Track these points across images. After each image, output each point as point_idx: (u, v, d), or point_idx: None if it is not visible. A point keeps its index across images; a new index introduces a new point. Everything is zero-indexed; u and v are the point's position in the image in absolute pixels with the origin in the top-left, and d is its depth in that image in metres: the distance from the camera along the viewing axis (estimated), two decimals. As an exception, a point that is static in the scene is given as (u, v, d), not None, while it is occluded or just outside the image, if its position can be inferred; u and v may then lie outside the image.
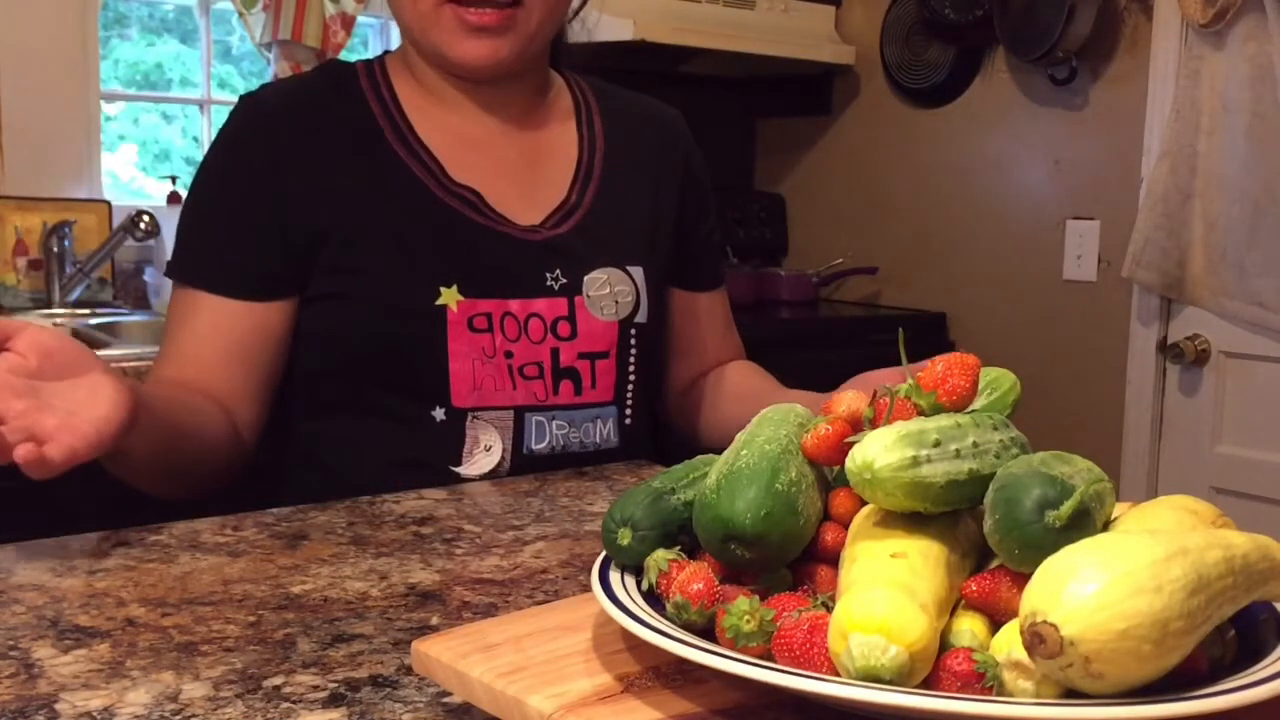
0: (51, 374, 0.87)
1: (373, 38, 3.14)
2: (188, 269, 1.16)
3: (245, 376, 1.15)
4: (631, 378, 1.24)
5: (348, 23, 2.82)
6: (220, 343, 1.14)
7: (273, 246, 1.14)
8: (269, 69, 2.81)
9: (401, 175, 1.18)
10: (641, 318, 1.25)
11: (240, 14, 2.76)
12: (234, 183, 1.17)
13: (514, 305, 1.17)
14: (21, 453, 0.81)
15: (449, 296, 1.14)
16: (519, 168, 1.24)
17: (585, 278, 1.21)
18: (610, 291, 1.22)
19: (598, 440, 1.22)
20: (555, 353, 1.19)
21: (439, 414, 1.15)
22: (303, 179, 1.15)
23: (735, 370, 1.38)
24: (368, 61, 1.26)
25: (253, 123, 1.18)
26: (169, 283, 1.20)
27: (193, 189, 1.20)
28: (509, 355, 1.16)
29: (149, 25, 3.01)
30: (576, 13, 1.33)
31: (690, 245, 1.35)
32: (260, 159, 1.16)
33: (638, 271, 1.25)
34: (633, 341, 1.24)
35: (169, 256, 1.20)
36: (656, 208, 1.31)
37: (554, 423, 1.19)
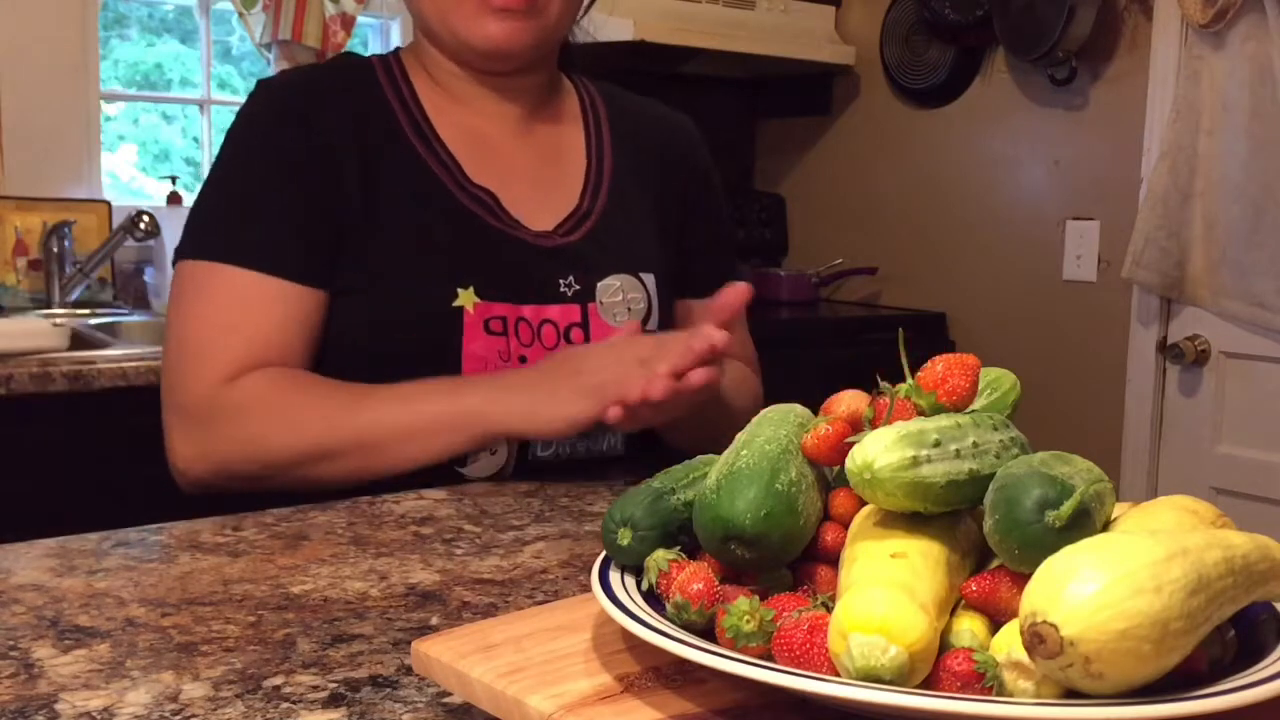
0: None
1: (373, 38, 3.15)
2: (238, 249, 1.10)
3: (306, 366, 1.12)
4: None
5: (348, 23, 2.82)
6: (272, 328, 1.10)
7: (315, 228, 1.12)
8: (269, 69, 2.81)
9: (421, 172, 1.17)
10: (653, 324, 1.24)
11: (240, 14, 2.76)
12: (275, 162, 1.13)
13: (527, 311, 1.16)
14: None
15: (466, 298, 1.13)
16: (532, 171, 1.24)
17: (599, 284, 1.21)
18: (623, 298, 1.22)
19: (603, 449, 1.21)
20: None
21: None
22: (331, 164, 1.13)
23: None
24: (382, 56, 1.25)
25: (281, 104, 1.16)
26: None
27: (225, 169, 1.15)
28: (523, 360, 1.15)
29: (149, 25, 3.01)
30: (585, 11, 1.33)
31: (693, 251, 1.34)
32: (293, 139, 1.13)
33: (650, 278, 1.25)
34: None
35: (196, 238, 1.13)
36: (665, 214, 1.30)
37: None
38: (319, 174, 1.13)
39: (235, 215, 1.14)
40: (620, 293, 1.22)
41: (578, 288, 1.19)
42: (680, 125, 1.38)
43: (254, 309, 1.10)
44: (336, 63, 1.26)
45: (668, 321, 1.28)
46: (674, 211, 1.31)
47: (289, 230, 1.12)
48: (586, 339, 1.19)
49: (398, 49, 1.27)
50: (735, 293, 1.07)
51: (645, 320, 1.23)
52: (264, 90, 1.18)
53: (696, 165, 1.36)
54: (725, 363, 1.27)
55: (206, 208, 1.15)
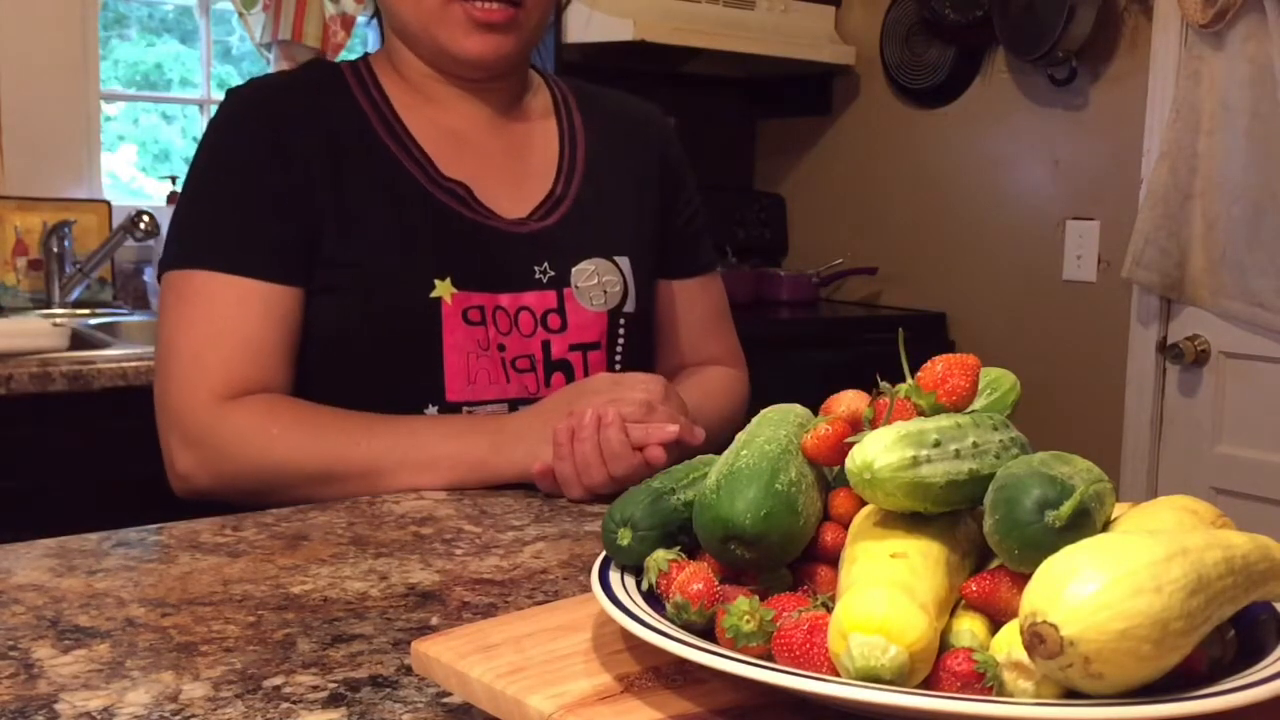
0: None
1: (373, 38, 3.14)
2: (214, 254, 1.12)
3: (291, 367, 1.14)
4: (618, 368, 1.25)
5: (348, 23, 2.82)
6: (255, 329, 1.11)
7: (290, 229, 1.13)
8: (269, 69, 2.81)
9: (394, 169, 1.18)
10: (630, 307, 1.26)
11: (240, 14, 2.76)
12: (248, 167, 1.15)
13: (504, 299, 1.18)
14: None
15: (443, 289, 1.15)
16: (505, 162, 1.25)
17: (573, 269, 1.22)
18: (599, 282, 1.23)
19: None
20: (546, 345, 1.20)
21: (432, 411, 1.15)
22: (303, 166, 1.14)
23: (700, 373, 1.36)
24: (352, 61, 1.27)
25: (253, 110, 1.18)
26: (171, 280, 1.16)
27: (199, 178, 1.17)
28: (502, 348, 1.17)
29: (149, 25, 3.01)
30: (560, 11, 1.35)
31: (671, 234, 1.36)
32: (265, 143, 1.15)
33: (624, 261, 1.26)
34: (621, 331, 1.25)
35: (175, 248, 1.15)
36: (639, 199, 1.32)
37: None
38: (287, 175, 1.14)
39: (209, 222, 1.15)
40: (595, 276, 1.23)
41: (553, 273, 1.21)
42: (649, 113, 1.40)
43: (235, 312, 1.11)
44: (306, 68, 1.28)
45: (645, 304, 1.29)
46: (650, 196, 1.34)
47: (262, 232, 1.13)
48: (563, 325, 1.21)
49: (366, 54, 1.29)
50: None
51: (622, 303, 1.25)
52: (233, 97, 1.20)
53: (668, 151, 1.38)
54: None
55: (182, 217, 1.17)
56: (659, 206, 1.34)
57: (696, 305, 1.39)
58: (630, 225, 1.30)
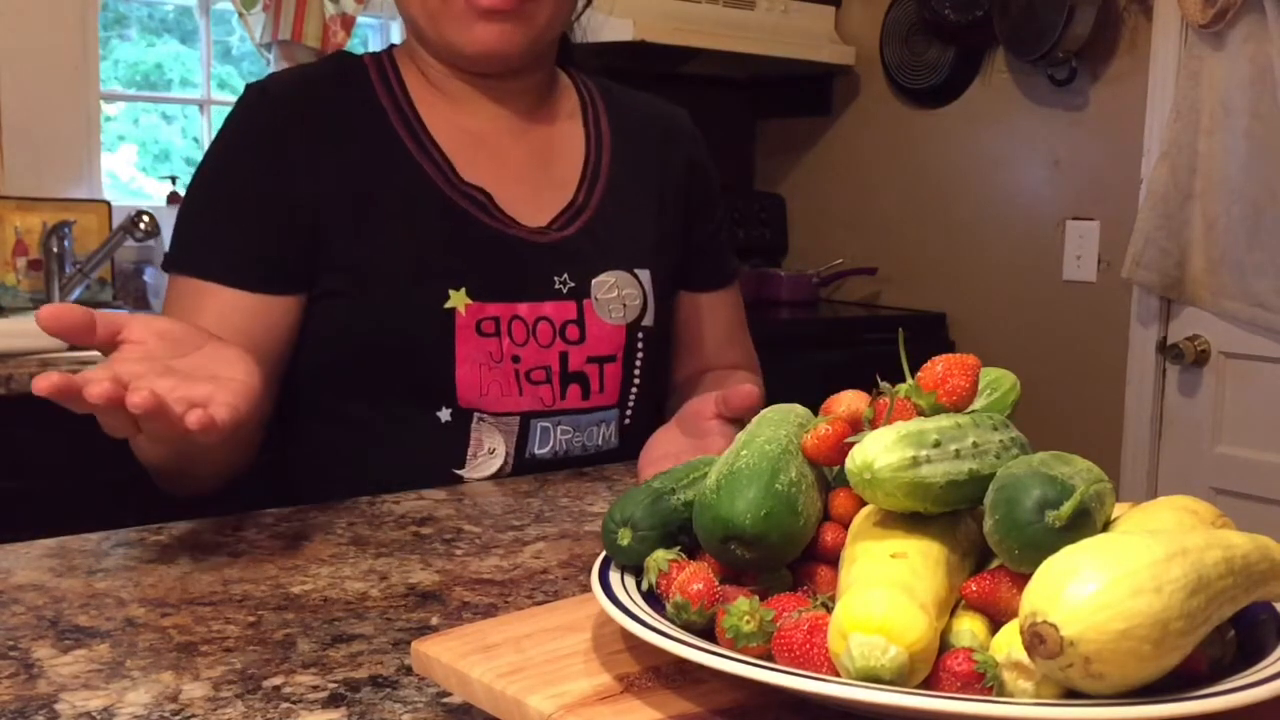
0: (170, 353, 0.88)
1: (373, 38, 3.15)
2: (196, 260, 1.12)
3: (275, 370, 1.12)
4: (636, 381, 1.24)
5: (348, 23, 2.82)
6: (233, 338, 1.09)
7: (283, 238, 1.12)
8: (269, 69, 2.81)
9: (412, 172, 1.16)
10: (649, 321, 1.24)
11: (240, 14, 2.76)
12: (243, 173, 1.14)
13: (522, 309, 1.16)
14: (194, 419, 0.80)
15: (458, 300, 1.13)
16: (527, 167, 1.23)
17: (593, 281, 1.20)
18: (618, 294, 1.22)
19: (599, 443, 1.22)
20: (564, 356, 1.18)
21: (444, 415, 1.14)
22: (311, 170, 1.13)
23: (734, 376, 1.35)
24: (376, 54, 1.24)
25: (260, 112, 1.16)
26: (168, 282, 1.17)
27: (198, 179, 1.17)
28: (516, 360, 1.15)
29: (149, 25, 3.01)
30: (582, 11, 1.33)
31: (693, 246, 1.34)
32: (269, 148, 1.13)
33: (645, 274, 1.24)
34: (639, 345, 1.23)
35: (170, 248, 1.15)
36: (662, 209, 1.30)
37: (559, 428, 1.18)
38: (293, 179, 1.12)
39: (201, 226, 1.14)
40: (615, 289, 1.22)
41: (573, 284, 1.19)
42: (677, 119, 1.38)
43: (208, 322, 1.06)
44: (329, 62, 1.26)
45: (663, 317, 1.28)
46: (674, 207, 1.32)
47: (250, 239, 1.12)
48: (582, 336, 1.19)
49: (392, 46, 1.27)
50: (746, 395, 1.04)
51: (640, 317, 1.24)
52: (251, 93, 1.18)
53: (695, 159, 1.36)
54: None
55: (180, 216, 1.17)
56: (684, 217, 1.33)
57: (720, 315, 1.38)
58: (652, 237, 1.28)
